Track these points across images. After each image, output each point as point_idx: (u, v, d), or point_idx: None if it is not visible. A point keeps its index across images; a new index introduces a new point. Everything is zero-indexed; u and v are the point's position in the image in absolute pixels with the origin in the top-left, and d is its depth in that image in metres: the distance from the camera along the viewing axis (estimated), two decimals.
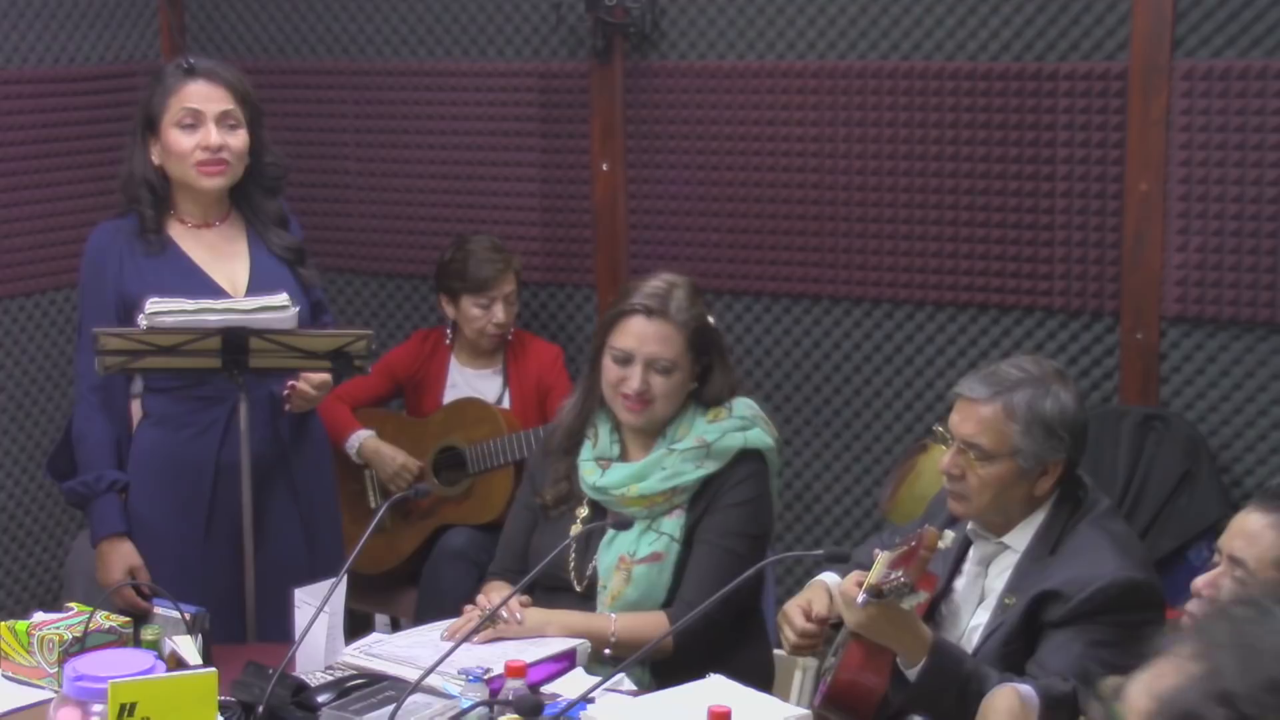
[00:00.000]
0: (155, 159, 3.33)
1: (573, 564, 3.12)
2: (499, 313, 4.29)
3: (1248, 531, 2.25)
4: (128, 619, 2.80)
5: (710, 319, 3.14)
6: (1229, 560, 2.26)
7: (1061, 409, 2.77)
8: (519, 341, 4.40)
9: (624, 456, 3.14)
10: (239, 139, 3.32)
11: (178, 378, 3.29)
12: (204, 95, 3.29)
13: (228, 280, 3.34)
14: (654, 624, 2.99)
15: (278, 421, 3.38)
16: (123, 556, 3.32)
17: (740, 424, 3.10)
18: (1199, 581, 2.29)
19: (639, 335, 3.05)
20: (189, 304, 3.16)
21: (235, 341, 3.14)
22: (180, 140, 3.28)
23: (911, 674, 2.62)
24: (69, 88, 4.67)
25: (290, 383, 3.35)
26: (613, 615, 3.01)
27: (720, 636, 3.02)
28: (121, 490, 3.34)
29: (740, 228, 4.40)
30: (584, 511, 3.15)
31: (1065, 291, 4.03)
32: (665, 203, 4.50)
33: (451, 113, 4.75)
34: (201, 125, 3.28)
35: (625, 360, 3.06)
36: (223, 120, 3.29)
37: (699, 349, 3.09)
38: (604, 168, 4.54)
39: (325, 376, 3.35)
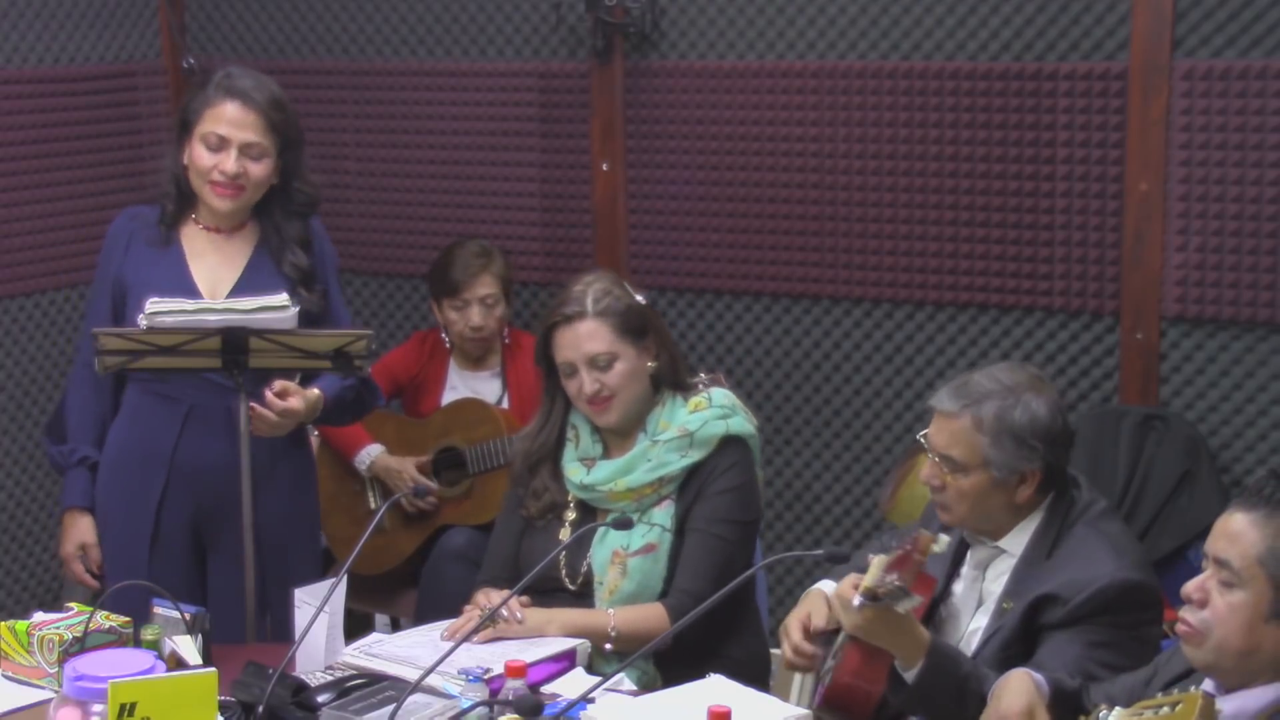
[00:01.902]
0: (185, 160, 3.33)
1: (564, 564, 3.13)
2: (474, 316, 4.26)
3: (1230, 532, 2.24)
4: (127, 619, 2.80)
5: (639, 298, 3.16)
6: (1215, 563, 2.25)
7: (1032, 418, 2.76)
8: (516, 342, 4.39)
9: (607, 454, 3.16)
10: (260, 169, 3.29)
11: (145, 369, 3.27)
12: (235, 121, 3.26)
13: (208, 286, 3.33)
14: (652, 615, 3.03)
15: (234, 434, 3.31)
16: (78, 531, 3.37)
17: (721, 412, 3.13)
18: (1189, 586, 2.28)
19: (569, 343, 3.09)
20: (189, 304, 3.16)
21: (235, 341, 3.14)
22: (202, 157, 3.27)
23: (909, 676, 2.62)
24: (69, 88, 4.66)
25: (251, 404, 3.24)
26: (611, 610, 3.03)
27: (716, 624, 3.03)
28: (91, 467, 3.37)
29: (740, 228, 4.40)
30: (572, 514, 3.16)
31: (1065, 291, 4.03)
32: (665, 203, 4.50)
33: (451, 113, 4.75)
34: (225, 150, 3.26)
35: (572, 371, 3.11)
36: (246, 150, 3.26)
37: (635, 330, 3.11)
38: (604, 168, 4.54)
39: (295, 405, 3.26)
